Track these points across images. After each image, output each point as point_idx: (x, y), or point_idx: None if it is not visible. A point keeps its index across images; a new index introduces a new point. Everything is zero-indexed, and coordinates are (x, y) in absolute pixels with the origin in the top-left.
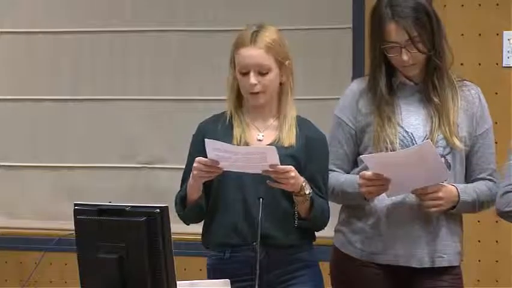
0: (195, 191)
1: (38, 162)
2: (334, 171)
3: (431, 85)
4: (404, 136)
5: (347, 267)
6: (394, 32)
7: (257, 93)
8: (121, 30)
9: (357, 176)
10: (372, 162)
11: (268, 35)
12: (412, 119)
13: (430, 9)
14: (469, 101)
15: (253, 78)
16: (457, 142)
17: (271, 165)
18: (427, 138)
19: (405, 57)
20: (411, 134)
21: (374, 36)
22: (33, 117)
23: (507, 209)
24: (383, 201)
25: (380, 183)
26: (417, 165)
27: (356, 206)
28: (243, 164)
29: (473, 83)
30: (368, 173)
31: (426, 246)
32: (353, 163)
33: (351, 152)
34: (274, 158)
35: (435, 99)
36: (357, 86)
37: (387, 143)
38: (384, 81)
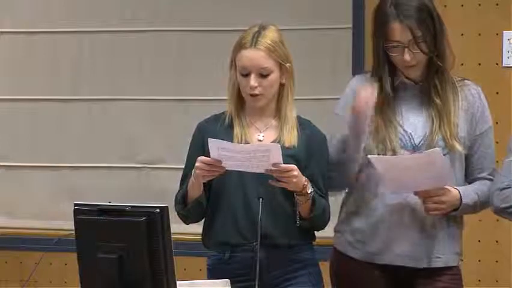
0: (196, 190)
1: (38, 162)
2: None
3: (433, 87)
4: (402, 135)
5: (345, 267)
6: (398, 31)
7: (257, 95)
8: (120, 30)
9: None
10: (379, 163)
11: (270, 36)
12: (412, 119)
13: (434, 9)
14: (469, 101)
15: (253, 81)
16: (457, 145)
17: (274, 164)
18: (426, 138)
19: (407, 57)
20: (410, 133)
21: (377, 34)
22: (33, 117)
23: (503, 205)
24: (382, 201)
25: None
26: (424, 170)
27: (354, 206)
28: (246, 163)
29: (473, 83)
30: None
31: (424, 247)
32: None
33: None
34: (277, 155)
35: (437, 101)
36: (357, 83)
37: (386, 141)
38: (388, 80)
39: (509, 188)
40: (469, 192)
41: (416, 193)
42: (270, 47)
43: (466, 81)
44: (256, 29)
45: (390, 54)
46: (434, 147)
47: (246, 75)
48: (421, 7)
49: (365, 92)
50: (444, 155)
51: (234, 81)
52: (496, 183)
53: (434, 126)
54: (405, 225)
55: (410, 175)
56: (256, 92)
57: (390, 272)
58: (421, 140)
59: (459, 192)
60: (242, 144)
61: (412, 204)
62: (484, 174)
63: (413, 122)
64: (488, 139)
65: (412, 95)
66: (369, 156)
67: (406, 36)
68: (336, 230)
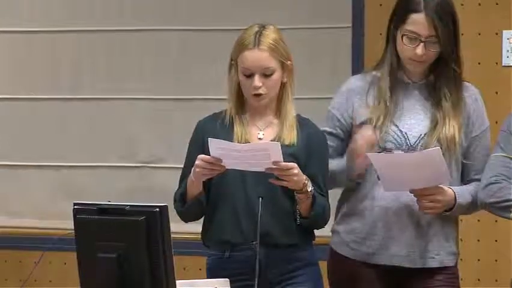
0: (195, 188)
1: (38, 161)
2: None
3: (443, 91)
4: (398, 135)
5: (342, 268)
6: (420, 24)
7: (260, 94)
8: (120, 29)
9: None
10: (377, 160)
11: (272, 35)
12: (407, 118)
13: (456, 13)
14: (466, 102)
15: (257, 81)
16: (455, 149)
17: (274, 162)
18: (422, 138)
19: (420, 51)
20: (405, 133)
21: (395, 19)
22: (33, 117)
23: (491, 200)
24: (378, 201)
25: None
26: (422, 168)
27: (351, 206)
28: (246, 162)
29: (472, 84)
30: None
31: (419, 247)
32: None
33: (341, 147)
34: (277, 153)
35: (446, 104)
36: (354, 82)
37: (380, 140)
38: (387, 78)
39: (496, 183)
40: (464, 193)
41: (411, 191)
42: (273, 47)
43: (464, 82)
44: (256, 28)
45: (403, 43)
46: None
47: (249, 76)
48: (447, 7)
49: (364, 135)
50: None
51: (235, 81)
52: (482, 178)
53: (437, 129)
54: (400, 226)
55: (407, 173)
56: (261, 91)
57: (386, 272)
58: (417, 141)
59: (454, 192)
60: (241, 144)
61: (407, 204)
62: (480, 176)
63: (409, 121)
64: (484, 141)
65: (411, 94)
66: (367, 153)
67: (427, 31)
68: (332, 231)
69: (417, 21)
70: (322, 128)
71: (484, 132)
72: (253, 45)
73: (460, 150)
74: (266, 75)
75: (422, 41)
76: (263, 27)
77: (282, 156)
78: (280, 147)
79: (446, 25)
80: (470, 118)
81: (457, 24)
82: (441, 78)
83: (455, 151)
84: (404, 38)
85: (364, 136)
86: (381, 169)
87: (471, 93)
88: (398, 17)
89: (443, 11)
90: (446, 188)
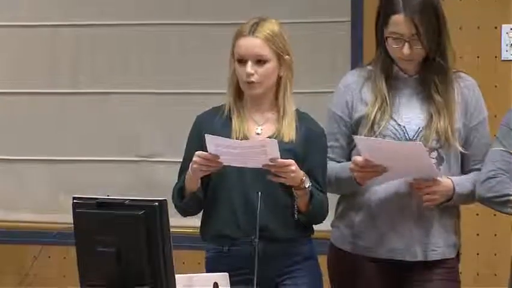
0: (193, 184)
1: (37, 155)
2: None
3: (434, 84)
4: (396, 129)
5: (342, 263)
6: (401, 24)
7: (253, 82)
8: (120, 23)
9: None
10: (363, 144)
11: (269, 26)
12: (404, 112)
13: (439, 7)
14: (463, 93)
15: (249, 68)
16: (455, 142)
17: (271, 159)
18: (420, 131)
19: (406, 50)
20: (404, 127)
21: (380, 22)
22: (32, 111)
23: (489, 195)
24: (377, 195)
25: (371, 169)
26: (407, 160)
27: (350, 201)
28: (243, 159)
29: (468, 75)
30: (359, 159)
31: (419, 240)
32: (349, 156)
33: (347, 145)
34: (274, 151)
35: (437, 98)
36: (351, 79)
37: (378, 134)
38: (382, 74)
39: (495, 177)
40: (463, 182)
41: (409, 185)
42: (268, 36)
43: (460, 73)
44: (255, 19)
45: (389, 45)
46: (430, 141)
47: (243, 63)
48: (427, 3)
49: (355, 163)
50: (439, 148)
51: (233, 73)
52: (481, 173)
53: (434, 122)
54: (400, 220)
55: (392, 162)
56: (253, 79)
57: (386, 266)
58: (415, 134)
59: (452, 182)
60: (239, 140)
61: (407, 198)
62: (480, 165)
63: (407, 115)
64: (483, 130)
65: (406, 88)
66: (353, 136)
67: (408, 31)
68: (332, 225)
69: (398, 22)
70: (326, 131)
71: (482, 121)
72: (247, 33)
73: (458, 142)
74: (259, 63)
75: (406, 41)
76: (263, 19)
77: (279, 153)
78: (277, 144)
79: (429, 22)
80: (468, 108)
81: (440, 19)
82: (431, 72)
83: (453, 143)
84: (389, 39)
85: (357, 167)
86: (368, 155)
87: (467, 83)
88: (381, 19)
89: (424, 9)
90: (443, 179)
